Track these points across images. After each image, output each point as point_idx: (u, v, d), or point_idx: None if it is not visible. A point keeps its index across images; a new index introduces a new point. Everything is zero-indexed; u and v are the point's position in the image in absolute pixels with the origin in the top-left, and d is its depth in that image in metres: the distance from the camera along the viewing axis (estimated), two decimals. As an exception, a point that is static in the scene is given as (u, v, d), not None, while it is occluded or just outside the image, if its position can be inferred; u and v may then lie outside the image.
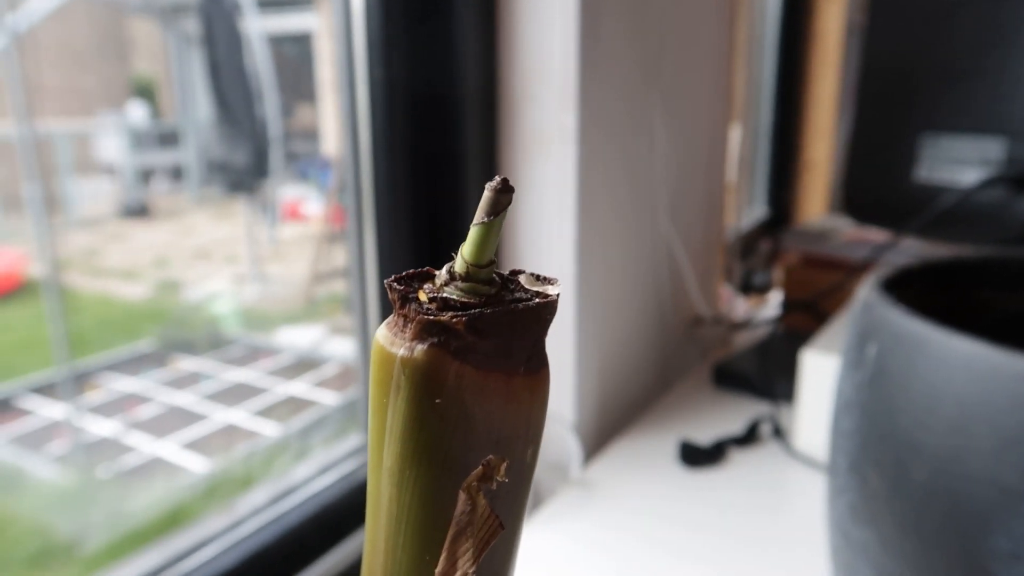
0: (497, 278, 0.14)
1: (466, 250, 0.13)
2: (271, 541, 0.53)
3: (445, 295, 0.13)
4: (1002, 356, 0.27)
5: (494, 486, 0.13)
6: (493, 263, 0.13)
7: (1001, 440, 0.27)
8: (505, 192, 0.12)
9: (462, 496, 0.13)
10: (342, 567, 0.56)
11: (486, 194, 0.13)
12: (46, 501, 1.76)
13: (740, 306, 1.09)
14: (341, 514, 0.58)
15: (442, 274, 0.13)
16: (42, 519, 1.67)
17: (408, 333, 0.13)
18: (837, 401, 0.37)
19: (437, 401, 0.13)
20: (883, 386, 0.32)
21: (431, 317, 0.13)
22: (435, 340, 0.13)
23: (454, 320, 0.12)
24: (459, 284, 0.13)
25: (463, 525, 0.13)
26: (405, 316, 0.13)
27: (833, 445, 0.36)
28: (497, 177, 0.13)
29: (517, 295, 0.13)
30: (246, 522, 0.55)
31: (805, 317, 0.84)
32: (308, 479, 0.60)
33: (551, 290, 0.13)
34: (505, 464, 0.13)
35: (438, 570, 0.13)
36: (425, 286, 0.13)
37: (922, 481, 0.30)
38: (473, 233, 0.13)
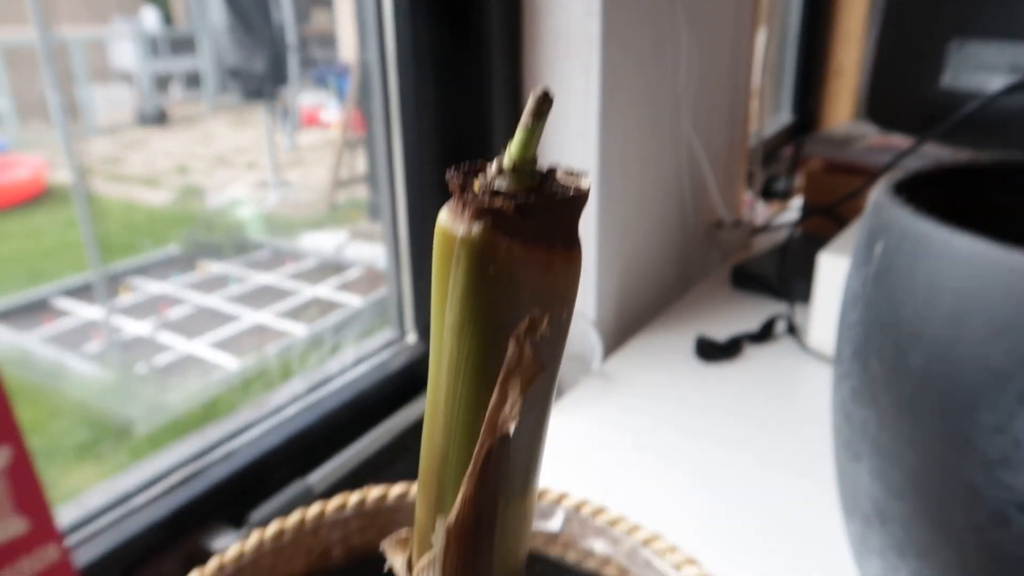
0: (538, 172, 0.16)
1: (512, 148, 0.16)
2: (311, 424, 0.57)
3: (496, 185, 0.16)
4: (998, 252, 0.29)
5: (537, 336, 0.16)
6: (535, 160, 0.16)
7: (993, 328, 0.30)
8: (546, 101, 0.15)
9: (512, 343, 0.16)
10: (376, 447, 0.60)
11: (530, 101, 0.15)
12: (90, 394, 1.85)
13: (761, 211, 1.10)
14: (375, 401, 0.62)
15: (492, 167, 0.16)
16: (89, 410, 1.77)
17: (467, 216, 0.16)
18: (845, 296, 0.39)
19: (490, 270, 0.16)
20: (887, 281, 0.34)
21: (486, 203, 0.15)
22: (489, 221, 0.16)
23: (505, 205, 0.15)
24: (507, 176, 0.16)
25: (512, 366, 0.16)
26: (464, 202, 0.16)
27: (839, 335, 0.39)
28: (539, 87, 0.15)
29: (555, 186, 0.16)
30: (286, 408, 0.59)
31: (824, 222, 0.85)
32: (343, 369, 0.64)
33: (583, 183, 0.16)
34: (546, 318, 0.16)
35: (492, 402, 0.16)
36: (479, 176, 0.16)
37: (919, 365, 0.32)
38: (519, 134, 0.16)
